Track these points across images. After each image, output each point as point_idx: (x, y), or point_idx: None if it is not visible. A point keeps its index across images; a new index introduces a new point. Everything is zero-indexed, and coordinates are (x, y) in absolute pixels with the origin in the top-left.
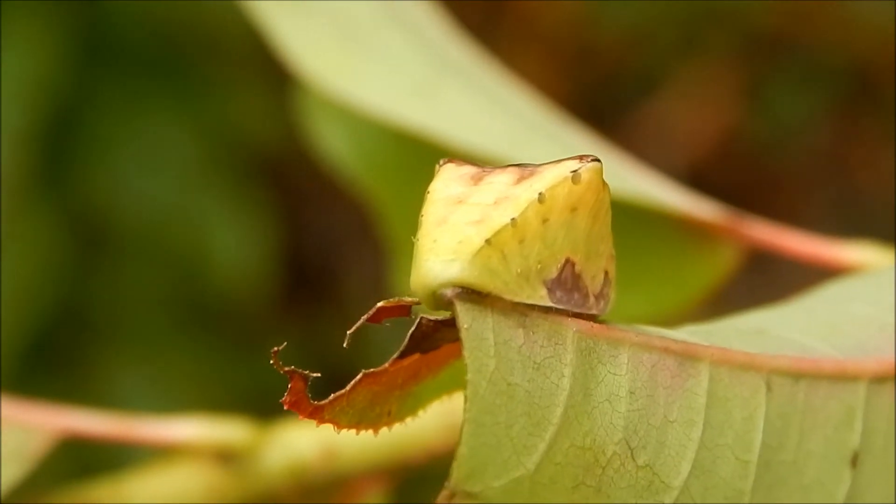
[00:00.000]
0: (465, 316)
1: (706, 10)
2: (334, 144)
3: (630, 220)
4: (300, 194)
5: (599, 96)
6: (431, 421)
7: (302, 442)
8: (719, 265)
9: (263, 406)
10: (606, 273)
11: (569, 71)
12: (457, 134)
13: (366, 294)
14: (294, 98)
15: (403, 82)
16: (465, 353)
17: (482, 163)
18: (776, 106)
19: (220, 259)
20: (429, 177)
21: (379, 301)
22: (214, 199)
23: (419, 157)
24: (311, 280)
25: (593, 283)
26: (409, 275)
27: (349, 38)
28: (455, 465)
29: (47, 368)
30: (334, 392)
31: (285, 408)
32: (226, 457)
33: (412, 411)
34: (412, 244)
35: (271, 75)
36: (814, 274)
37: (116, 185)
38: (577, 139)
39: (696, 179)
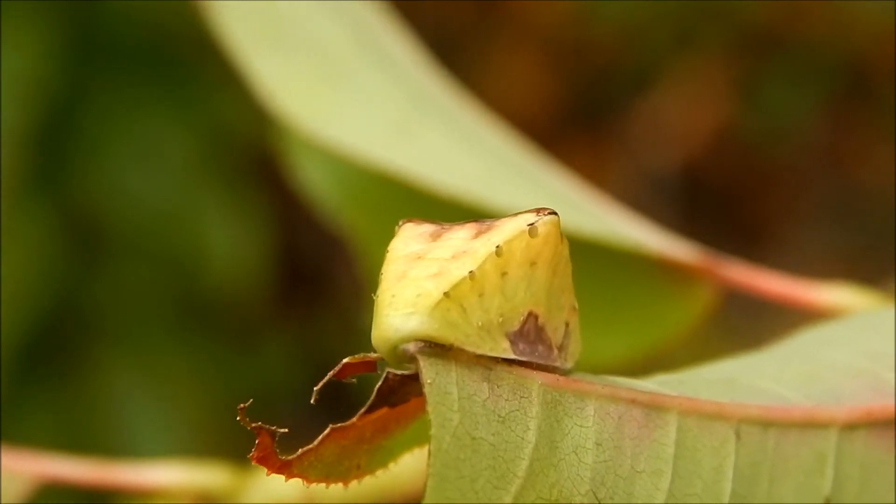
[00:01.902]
0: (429, 370)
1: (700, 7)
2: (313, 178)
3: (606, 260)
4: (295, 192)
5: (594, 93)
6: (411, 465)
7: (283, 486)
8: (697, 306)
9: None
10: (567, 325)
11: (563, 68)
12: (433, 174)
13: (358, 291)
14: (273, 131)
15: (380, 122)
16: (429, 407)
17: (458, 216)
18: (771, 102)
19: (216, 257)
20: (407, 213)
21: (344, 358)
22: (209, 197)
23: (399, 193)
24: (306, 278)
25: (555, 335)
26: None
27: (326, 76)
28: None
29: (44, 367)
30: (331, 386)
31: (252, 463)
32: (207, 500)
33: (383, 464)
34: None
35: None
36: (794, 313)
37: (112, 185)
38: (554, 179)
39: (691, 176)
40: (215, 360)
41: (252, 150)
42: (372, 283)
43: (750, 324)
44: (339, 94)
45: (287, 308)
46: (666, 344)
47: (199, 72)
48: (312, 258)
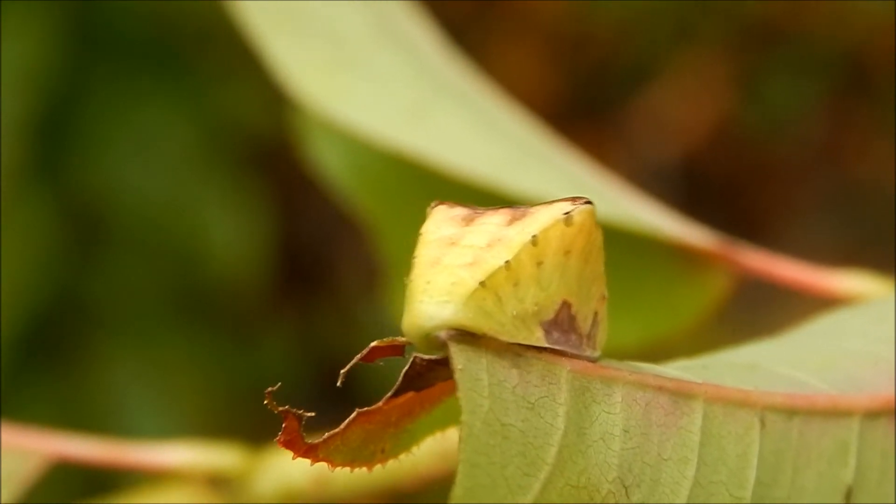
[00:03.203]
0: (460, 357)
1: (699, 1)
2: (329, 161)
3: (622, 246)
4: (295, 184)
5: (593, 87)
6: (424, 448)
7: (294, 469)
8: (712, 292)
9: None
10: (596, 314)
11: (563, 62)
12: (449, 157)
13: (361, 283)
14: (288, 114)
15: (396, 104)
16: (460, 394)
17: (474, 200)
18: (770, 96)
19: (216, 248)
20: (423, 196)
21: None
22: (210, 188)
23: (415, 176)
24: (307, 269)
25: (584, 323)
26: (402, 312)
27: (342, 58)
28: None
29: (44, 358)
30: (333, 378)
31: (279, 446)
32: (218, 482)
33: (406, 448)
34: (407, 268)
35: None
36: (805, 300)
37: (112, 176)
38: (570, 163)
39: (691, 170)
40: (215, 352)
41: (253, 142)
42: (386, 266)
43: (762, 310)
44: (356, 77)
45: (287, 299)
46: (681, 329)
47: (199, 63)
48: (313, 250)
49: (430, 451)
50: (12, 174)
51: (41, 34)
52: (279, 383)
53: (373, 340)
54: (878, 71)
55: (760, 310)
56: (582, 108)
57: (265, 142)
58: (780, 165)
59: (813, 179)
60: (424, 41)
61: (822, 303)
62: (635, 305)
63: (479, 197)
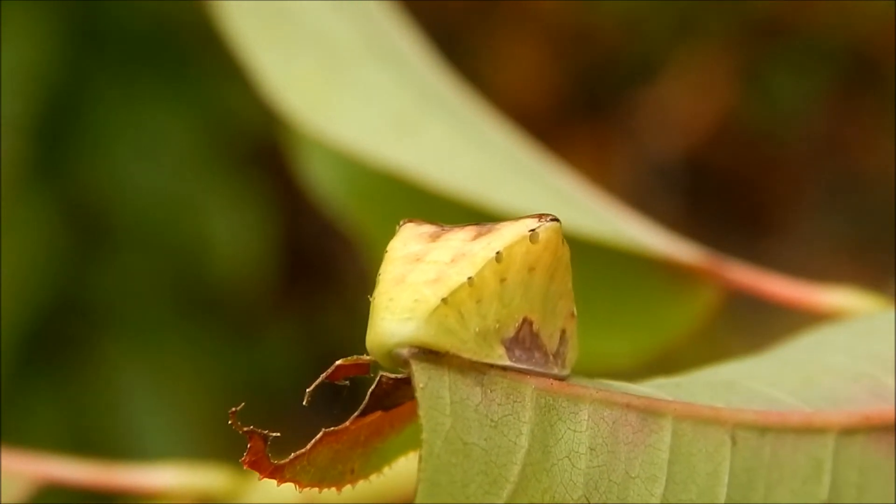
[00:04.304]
0: (421, 375)
1: None
2: (319, 175)
3: (609, 261)
4: (297, 182)
5: (597, 81)
6: (407, 468)
7: (281, 489)
8: (700, 308)
9: (261, 393)
10: (563, 331)
11: (566, 57)
12: (437, 172)
13: (363, 280)
14: (278, 127)
15: (384, 119)
16: (421, 412)
17: (461, 214)
18: (774, 89)
19: (218, 247)
20: (413, 209)
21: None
22: (212, 187)
23: (404, 189)
24: (309, 267)
25: (550, 341)
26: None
27: (329, 73)
28: None
29: (46, 358)
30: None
31: (244, 468)
32: (206, 502)
33: (377, 468)
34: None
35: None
36: (800, 312)
37: (114, 175)
38: (558, 178)
39: (695, 164)
40: (218, 352)
41: (255, 141)
42: (374, 278)
43: (756, 321)
44: (343, 91)
45: (290, 299)
46: (669, 345)
47: (202, 62)
48: (316, 249)
49: (412, 469)
50: (14, 174)
51: (43, 34)
52: (242, 403)
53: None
54: (883, 64)
55: (756, 320)
56: (586, 103)
57: (267, 140)
58: (785, 159)
59: (817, 173)
60: (413, 54)
61: (815, 316)
62: (623, 321)
63: (465, 211)
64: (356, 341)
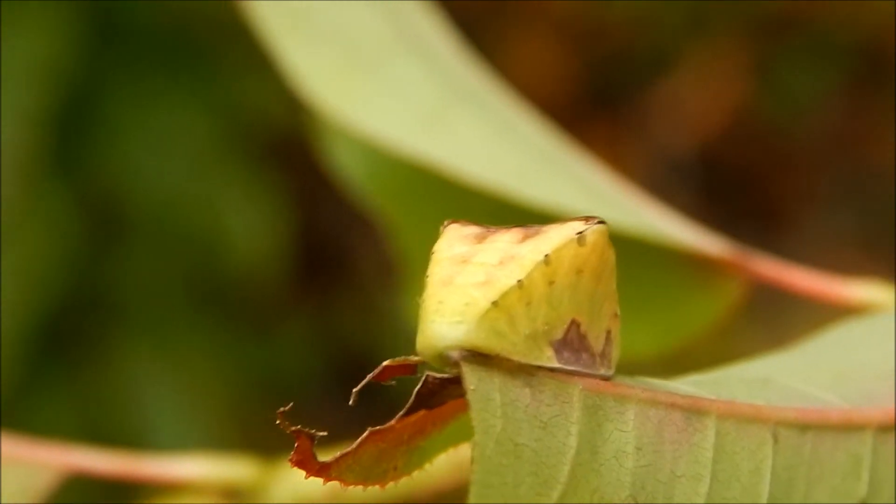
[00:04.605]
0: (472, 377)
1: None
2: (345, 164)
3: (633, 253)
4: (313, 175)
5: (610, 76)
6: (438, 460)
7: (307, 483)
8: (725, 301)
9: (277, 388)
10: (608, 332)
11: (580, 52)
12: (466, 165)
13: (380, 275)
14: (306, 117)
15: (413, 111)
16: (472, 414)
17: (491, 206)
18: (787, 84)
19: (234, 241)
20: (440, 199)
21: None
22: (227, 181)
23: (432, 182)
24: (325, 261)
25: (596, 342)
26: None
27: (357, 63)
28: None
29: (61, 351)
30: (351, 371)
31: (291, 466)
32: (232, 494)
33: (419, 465)
34: (420, 287)
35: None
36: (824, 305)
37: (129, 169)
38: (585, 168)
39: (708, 159)
40: (234, 345)
41: (272, 135)
42: (400, 269)
43: (779, 315)
44: (372, 83)
45: (305, 291)
46: (694, 338)
47: (218, 55)
48: (332, 242)
49: (444, 463)
50: (30, 168)
51: (59, 28)
52: (291, 403)
53: (391, 333)
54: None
55: (778, 313)
56: (599, 99)
57: (283, 133)
58: (798, 154)
59: (831, 168)
60: (441, 44)
61: (837, 310)
62: (648, 314)
63: (495, 203)
64: (372, 335)
